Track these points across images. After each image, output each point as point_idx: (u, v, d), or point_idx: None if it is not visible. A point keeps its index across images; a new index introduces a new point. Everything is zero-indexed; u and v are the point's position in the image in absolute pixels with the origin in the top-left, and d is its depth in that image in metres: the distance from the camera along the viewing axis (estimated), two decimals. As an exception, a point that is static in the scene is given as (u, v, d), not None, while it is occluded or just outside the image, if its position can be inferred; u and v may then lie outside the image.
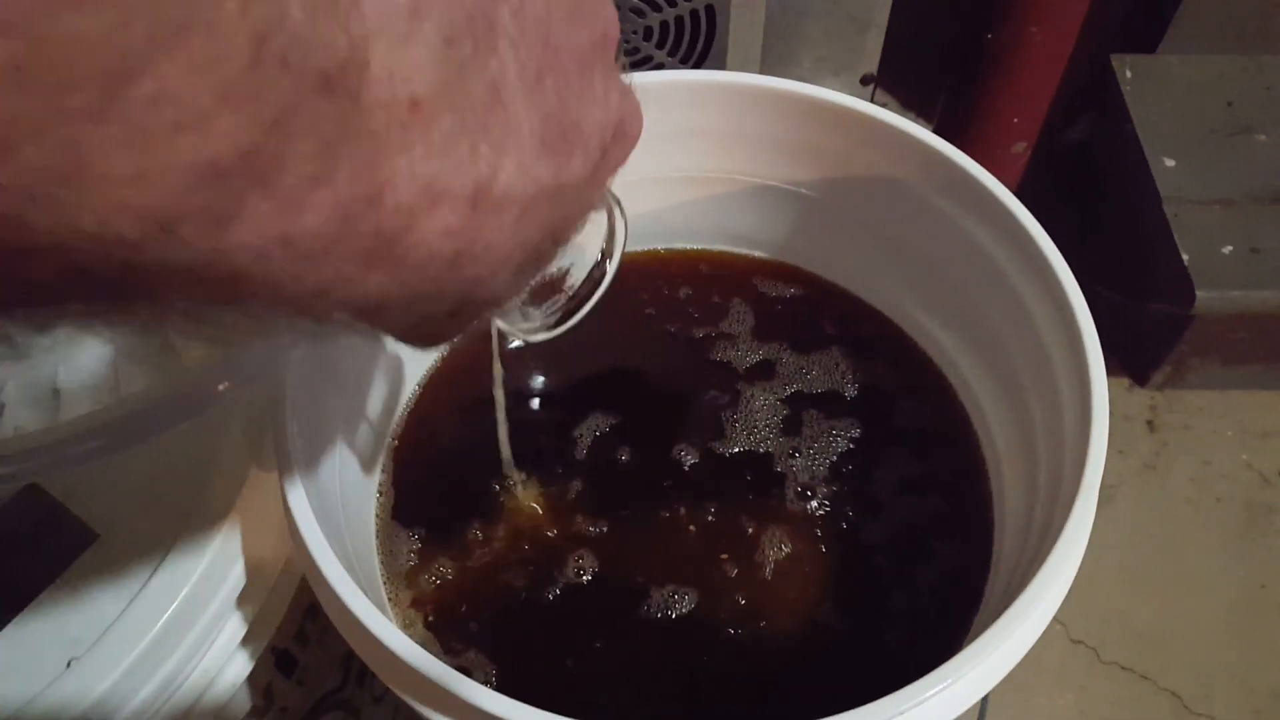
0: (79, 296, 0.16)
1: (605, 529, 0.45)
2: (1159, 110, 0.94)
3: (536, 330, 0.35)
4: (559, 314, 0.35)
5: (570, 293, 0.34)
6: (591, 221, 0.31)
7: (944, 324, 0.50)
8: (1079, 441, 0.36)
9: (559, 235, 0.25)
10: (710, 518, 0.46)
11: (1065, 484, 0.36)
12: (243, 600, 0.44)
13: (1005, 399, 0.46)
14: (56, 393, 0.37)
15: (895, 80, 1.04)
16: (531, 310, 0.34)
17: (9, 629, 0.40)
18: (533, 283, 0.28)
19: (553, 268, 0.28)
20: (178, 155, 0.14)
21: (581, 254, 0.34)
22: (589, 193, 0.25)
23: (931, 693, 0.31)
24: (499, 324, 0.35)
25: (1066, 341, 0.40)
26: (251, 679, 0.46)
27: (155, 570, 0.41)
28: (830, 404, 0.49)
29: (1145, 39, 1.00)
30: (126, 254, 0.15)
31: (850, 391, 0.50)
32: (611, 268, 0.34)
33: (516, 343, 0.49)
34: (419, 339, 0.25)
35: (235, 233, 0.16)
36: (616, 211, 0.34)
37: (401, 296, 0.21)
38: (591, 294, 0.34)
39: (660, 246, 0.55)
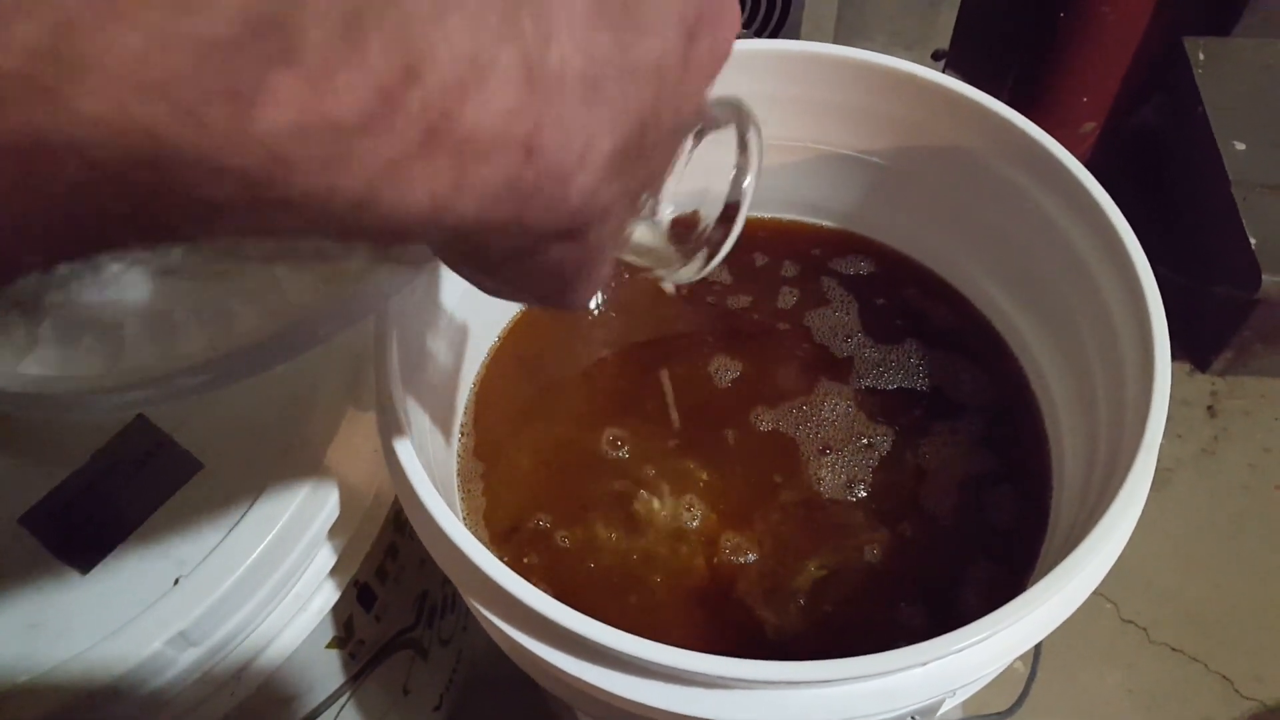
0: (113, 213, 0.15)
1: (677, 481, 0.47)
2: (1230, 94, 0.94)
3: (685, 269, 0.32)
4: (704, 248, 0.31)
5: (710, 223, 0.31)
6: (721, 144, 0.30)
7: (1009, 292, 0.51)
8: (1140, 403, 0.38)
9: (652, 128, 0.22)
10: (779, 471, 0.48)
11: (1126, 441, 0.37)
12: (333, 533, 0.47)
13: (1069, 366, 0.47)
14: (174, 329, 0.39)
15: (965, 57, 1.05)
16: (674, 249, 0.32)
17: (121, 548, 0.43)
18: (663, 213, 0.27)
19: (682, 197, 0.25)
20: (180, 27, 0.14)
21: (715, 181, 0.31)
22: (684, 82, 0.22)
23: (987, 634, 0.33)
24: (642, 265, 0.32)
25: (1132, 307, 0.41)
26: (335, 610, 0.49)
27: (255, 500, 0.44)
28: (895, 369, 0.51)
29: (1219, 22, 0.99)
30: (149, 146, 0.14)
31: (915, 356, 0.51)
32: (749, 184, 0.31)
33: (669, 287, 0.47)
34: (557, 291, 0.24)
35: (265, 113, 0.15)
36: (749, 123, 0.30)
37: (478, 203, 0.19)
38: (734, 219, 0.31)
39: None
